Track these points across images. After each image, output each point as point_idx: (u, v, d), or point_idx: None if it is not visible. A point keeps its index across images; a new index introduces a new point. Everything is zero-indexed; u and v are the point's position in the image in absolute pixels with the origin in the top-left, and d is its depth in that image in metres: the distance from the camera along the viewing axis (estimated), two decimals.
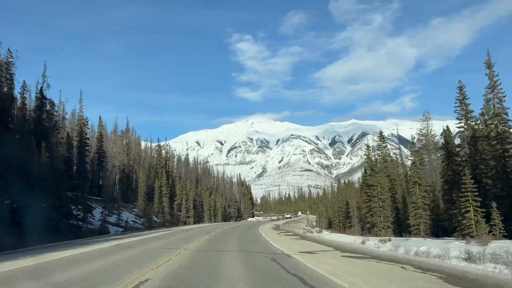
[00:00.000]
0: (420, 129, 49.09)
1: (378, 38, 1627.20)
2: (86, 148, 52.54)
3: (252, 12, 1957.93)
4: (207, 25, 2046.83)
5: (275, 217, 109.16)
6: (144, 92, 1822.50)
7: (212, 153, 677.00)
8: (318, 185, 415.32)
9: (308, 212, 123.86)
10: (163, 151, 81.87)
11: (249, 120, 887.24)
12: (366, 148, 42.24)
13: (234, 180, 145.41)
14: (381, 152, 47.96)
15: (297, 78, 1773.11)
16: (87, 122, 53.49)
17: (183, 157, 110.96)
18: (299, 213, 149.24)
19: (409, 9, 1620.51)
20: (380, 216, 34.53)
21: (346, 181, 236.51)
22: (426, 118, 48.33)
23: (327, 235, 34.98)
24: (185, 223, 67.17)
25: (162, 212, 61.17)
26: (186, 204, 71.02)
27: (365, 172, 49.57)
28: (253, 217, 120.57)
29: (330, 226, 69.07)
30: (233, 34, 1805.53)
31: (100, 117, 57.69)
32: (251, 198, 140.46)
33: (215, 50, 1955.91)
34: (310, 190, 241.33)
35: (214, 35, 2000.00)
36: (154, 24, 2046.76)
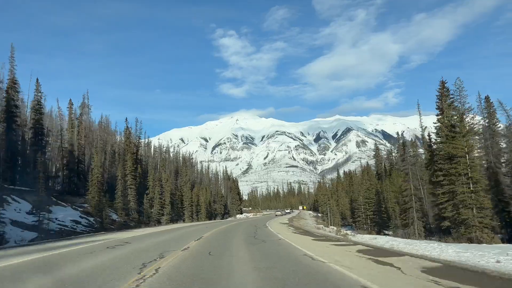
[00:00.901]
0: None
1: (361, 34, 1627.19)
2: (14, 119, 36.68)
3: (236, 7, 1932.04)
4: (190, 21, 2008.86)
5: (279, 213, 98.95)
6: (126, 90, 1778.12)
7: (197, 150, 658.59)
8: (303, 181, 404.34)
9: (304, 208, 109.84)
10: (137, 138, 66.16)
11: (233, 117, 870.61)
12: (439, 90, 25.63)
13: (220, 174, 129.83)
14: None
15: (282, 74, 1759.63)
16: (16, 83, 37.51)
17: (163, 148, 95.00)
18: (293, 209, 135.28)
19: (392, 5, 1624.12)
20: (472, 209, 20.00)
21: (330, 176, 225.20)
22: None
23: (378, 240, 20.37)
24: (158, 222, 51.64)
25: (126, 208, 45.57)
26: (161, 199, 55.50)
27: (429, 139, 33.77)
28: (241, 213, 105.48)
29: (344, 224, 54.97)
30: (217, 29, 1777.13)
31: (37, 79, 41.39)
32: (239, 193, 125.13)
33: (199, 46, 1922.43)
34: (300, 185, 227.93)
35: (197, 30, 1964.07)
36: (137, 21, 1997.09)
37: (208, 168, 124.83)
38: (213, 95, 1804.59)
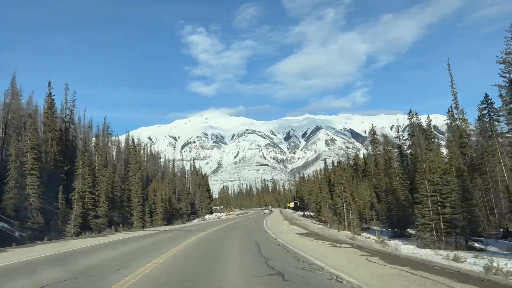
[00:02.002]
0: None
1: (330, 33, 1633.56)
2: None
3: (205, 4, 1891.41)
4: (159, 17, 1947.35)
5: (267, 211, 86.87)
6: (92, 87, 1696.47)
7: (166, 149, 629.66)
8: (274, 180, 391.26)
9: (288, 205, 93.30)
10: (67, 112, 47.07)
11: (203, 115, 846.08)
12: None
13: (187, 168, 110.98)
14: None
15: (251, 72, 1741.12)
16: None
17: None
18: (268, 206, 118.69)
19: (360, 4, 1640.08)
20: None
21: (301, 174, 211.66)
22: None
23: None
24: (89, 229, 33.17)
25: (22, 209, 27.18)
26: (94, 196, 37.12)
27: None
28: (211, 213, 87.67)
29: (365, 227, 38.52)
30: (185, 26, 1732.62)
31: None
32: (209, 190, 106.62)
33: (167, 43, 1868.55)
34: (274, 182, 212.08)
35: (166, 27, 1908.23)
36: (103, 17, 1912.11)
37: (174, 163, 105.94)
38: (182, 93, 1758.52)
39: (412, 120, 53.92)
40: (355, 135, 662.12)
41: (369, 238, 24.37)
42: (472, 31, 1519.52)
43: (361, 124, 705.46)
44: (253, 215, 71.69)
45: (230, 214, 76.54)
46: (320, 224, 41.47)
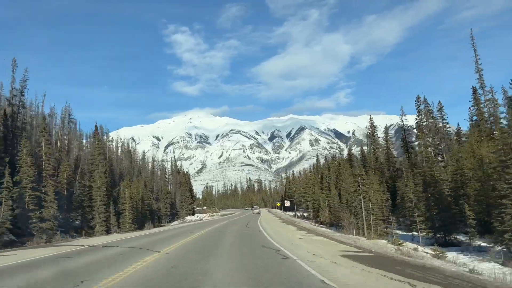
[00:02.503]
0: None
1: (314, 34, 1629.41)
2: None
3: (188, 3, 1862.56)
4: (141, 16, 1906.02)
5: (257, 210, 79.96)
6: (72, 87, 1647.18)
7: (149, 150, 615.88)
8: (259, 180, 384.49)
9: (278, 204, 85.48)
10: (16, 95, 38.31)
11: (187, 115, 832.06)
12: None
13: (168, 166, 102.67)
14: None
15: (236, 72, 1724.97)
16: None
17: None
18: (253, 206, 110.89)
19: (344, 5, 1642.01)
20: None
21: (287, 174, 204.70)
22: None
23: None
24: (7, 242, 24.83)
25: None
26: (38, 193, 28.72)
27: None
28: (193, 214, 79.54)
29: (384, 233, 30.78)
30: (169, 25, 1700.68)
31: None
32: (191, 190, 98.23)
33: (150, 42, 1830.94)
34: (260, 182, 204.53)
35: (149, 26, 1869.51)
36: (84, 15, 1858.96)
37: (153, 161, 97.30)
38: (165, 93, 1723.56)
39: (420, 107, 47.13)
40: (338, 135, 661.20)
41: (416, 249, 16.98)
42: (452, 33, 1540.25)
43: (345, 124, 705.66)
44: (240, 216, 64.04)
45: (213, 215, 68.55)
46: (322, 227, 34.13)
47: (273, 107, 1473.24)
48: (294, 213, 62.59)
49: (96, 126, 48.03)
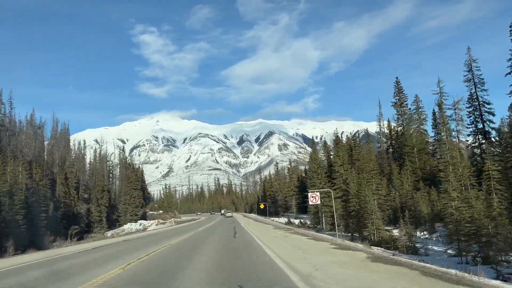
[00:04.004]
0: None
1: (284, 39, 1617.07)
2: None
3: (156, 3, 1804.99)
4: (108, 15, 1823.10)
5: (230, 214, 73.36)
6: (35, 87, 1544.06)
7: (113, 152, 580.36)
8: (230, 181, 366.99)
9: (262, 206, 65.36)
10: None
11: (154, 118, 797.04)
12: None
13: (113, 158, 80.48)
14: None
15: (205, 75, 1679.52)
16: None
17: None
18: (221, 209, 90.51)
19: (314, 11, 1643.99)
20: None
21: (253, 179, 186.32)
22: None
23: None
24: None
25: None
26: None
27: None
28: (144, 219, 58.10)
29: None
30: (136, 25, 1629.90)
31: None
32: (144, 189, 75.74)
33: (117, 42, 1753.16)
34: (230, 183, 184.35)
35: (116, 26, 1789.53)
36: (47, 15, 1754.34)
37: (96, 151, 75.03)
38: (132, 94, 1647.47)
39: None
40: (307, 140, 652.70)
41: None
42: (416, 42, 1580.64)
43: (313, 129, 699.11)
44: (207, 223, 43.90)
45: (165, 222, 47.75)
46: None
47: (242, 111, 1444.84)
48: (287, 219, 42.16)
49: None
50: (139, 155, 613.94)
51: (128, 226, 43.13)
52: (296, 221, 39.03)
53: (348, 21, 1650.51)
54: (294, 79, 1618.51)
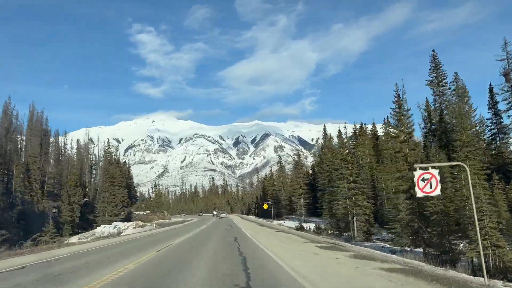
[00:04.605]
0: None
1: (282, 40, 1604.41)
2: None
3: (154, 2, 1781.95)
4: (105, 13, 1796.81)
5: (224, 215, 70.24)
6: (30, 85, 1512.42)
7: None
8: (226, 180, 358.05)
9: (265, 206, 56.81)
10: None
11: (149, 118, 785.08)
12: None
13: (96, 151, 72.35)
14: None
15: (202, 75, 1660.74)
16: None
17: None
18: (216, 210, 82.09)
19: (312, 13, 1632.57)
20: None
21: (249, 179, 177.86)
22: None
23: None
24: None
25: None
26: None
27: None
28: (129, 220, 49.49)
29: None
30: (134, 24, 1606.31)
31: None
32: (131, 186, 67.28)
33: (113, 41, 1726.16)
34: (226, 184, 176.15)
35: (112, 24, 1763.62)
36: (43, 12, 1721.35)
37: (79, 143, 66.83)
38: (128, 94, 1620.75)
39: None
40: (303, 142, 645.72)
41: None
42: (413, 45, 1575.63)
43: (309, 132, 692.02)
44: (196, 227, 35.37)
45: (145, 225, 38.95)
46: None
47: (239, 112, 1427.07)
48: (297, 224, 33.57)
49: None
50: (134, 155, 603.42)
51: (101, 229, 34.79)
52: (309, 226, 30.71)
53: (346, 23, 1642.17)
54: (291, 80, 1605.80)
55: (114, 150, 70.51)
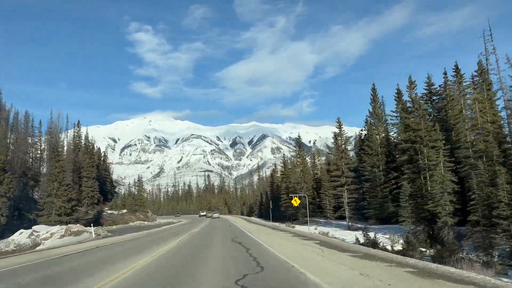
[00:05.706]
0: None
1: (281, 41, 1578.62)
2: None
3: (152, 2, 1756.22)
4: (102, 11, 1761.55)
5: (216, 215, 65.13)
6: (26, 83, 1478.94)
7: (104, 151, 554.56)
8: (218, 185, 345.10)
9: (295, 201, 43.09)
10: None
11: (146, 117, 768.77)
12: None
13: (65, 142, 56.35)
14: None
15: (200, 76, 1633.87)
16: None
17: None
18: (211, 209, 68.00)
19: (311, 14, 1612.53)
20: None
21: (247, 182, 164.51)
22: None
23: None
24: None
25: None
26: None
27: None
28: (98, 221, 35.28)
29: None
30: (131, 22, 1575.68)
31: None
32: (106, 177, 52.76)
33: (110, 39, 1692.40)
34: (223, 182, 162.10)
35: (110, 22, 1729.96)
36: (39, 11, 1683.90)
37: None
38: (125, 93, 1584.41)
39: None
40: (300, 144, 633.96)
41: None
42: (412, 48, 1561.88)
43: (306, 134, 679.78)
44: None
45: (82, 233, 23.97)
46: None
47: (236, 113, 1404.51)
48: (323, 228, 20.25)
49: None
50: (130, 155, 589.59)
51: (16, 237, 21.12)
52: (378, 237, 16.57)
53: (345, 26, 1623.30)
54: (289, 82, 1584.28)
55: (76, 126, 56.06)
